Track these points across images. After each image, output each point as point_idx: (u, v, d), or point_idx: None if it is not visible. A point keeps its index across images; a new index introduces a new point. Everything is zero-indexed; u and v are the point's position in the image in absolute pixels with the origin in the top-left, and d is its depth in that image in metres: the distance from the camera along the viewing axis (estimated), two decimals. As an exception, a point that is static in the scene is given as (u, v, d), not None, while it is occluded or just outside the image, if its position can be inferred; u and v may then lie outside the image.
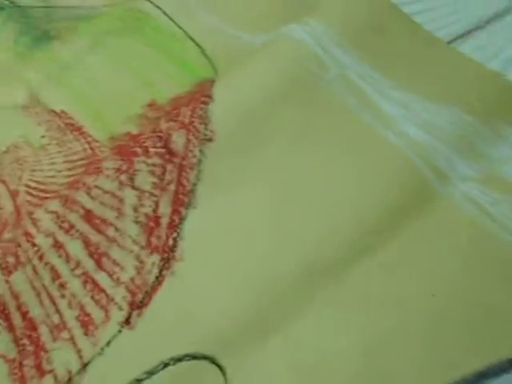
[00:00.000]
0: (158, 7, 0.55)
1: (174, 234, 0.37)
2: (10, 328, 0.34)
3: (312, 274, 0.36)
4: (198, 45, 0.51)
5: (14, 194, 0.41)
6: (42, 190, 0.41)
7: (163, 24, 0.54)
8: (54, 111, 0.47)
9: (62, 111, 0.46)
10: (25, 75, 0.51)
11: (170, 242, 0.37)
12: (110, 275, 0.36)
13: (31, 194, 0.40)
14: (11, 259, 0.36)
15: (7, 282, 0.36)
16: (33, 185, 0.41)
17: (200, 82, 0.47)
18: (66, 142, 0.44)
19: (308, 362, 0.33)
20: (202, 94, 0.42)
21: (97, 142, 0.43)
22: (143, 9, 0.55)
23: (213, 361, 0.33)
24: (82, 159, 0.42)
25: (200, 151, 0.40)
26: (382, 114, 0.43)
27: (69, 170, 0.42)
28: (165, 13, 0.54)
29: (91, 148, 0.43)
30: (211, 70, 0.48)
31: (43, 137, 0.45)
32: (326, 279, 0.36)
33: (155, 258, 0.36)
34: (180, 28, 0.53)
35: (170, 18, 0.54)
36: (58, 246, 0.37)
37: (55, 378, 0.33)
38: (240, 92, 0.44)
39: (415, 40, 0.48)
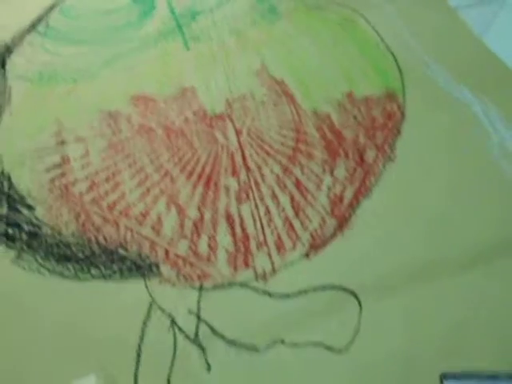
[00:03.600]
0: (368, 22, 0.73)
1: (350, 211, 0.54)
2: (233, 234, 0.54)
3: (438, 265, 0.50)
4: (395, 58, 0.67)
5: (238, 132, 0.61)
6: (258, 136, 0.60)
7: (371, 35, 0.71)
8: (275, 78, 0.67)
9: (282, 80, 0.66)
10: (260, 46, 0.70)
11: (347, 215, 0.54)
12: (302, 223, 0.54)
13: (250, 137, 0.60)
14: (243, 195, 0.57)
15: (238, 207, 0.56)
16: (252, 129, 0.61)
17: (388, 91, 0.64)
18: (280, 104, 0.63)
19: (418, 323, 0.47)
20: (393, 126, 0.59)
21: (303, 110, 0.62)
22: (356, 20, 0.74)
23: (355, 295, 0.49)
24: (289, 121, 0.61)
25: (383, 166, 0.57)
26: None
27: (279, 127, 0.61)
28: (374, 28, 0.72)
29: (298, 114, 0.62)
30: (400, 82, 0.65)
31: (265, 95, 0.64)
32: (448, 275, 0.50)
33: (334, 221, 0.54)
34: (383, 42, 0.70)
35: (378, 33, 0.71)
36: (274, 195, 0.56)
37: (255, 270, 0.51)
38: (425, 135, 0.60)
39: None
